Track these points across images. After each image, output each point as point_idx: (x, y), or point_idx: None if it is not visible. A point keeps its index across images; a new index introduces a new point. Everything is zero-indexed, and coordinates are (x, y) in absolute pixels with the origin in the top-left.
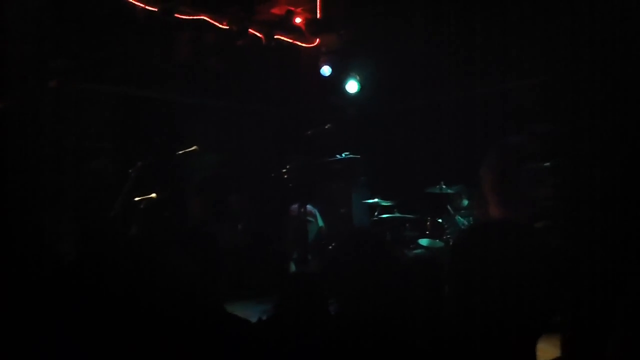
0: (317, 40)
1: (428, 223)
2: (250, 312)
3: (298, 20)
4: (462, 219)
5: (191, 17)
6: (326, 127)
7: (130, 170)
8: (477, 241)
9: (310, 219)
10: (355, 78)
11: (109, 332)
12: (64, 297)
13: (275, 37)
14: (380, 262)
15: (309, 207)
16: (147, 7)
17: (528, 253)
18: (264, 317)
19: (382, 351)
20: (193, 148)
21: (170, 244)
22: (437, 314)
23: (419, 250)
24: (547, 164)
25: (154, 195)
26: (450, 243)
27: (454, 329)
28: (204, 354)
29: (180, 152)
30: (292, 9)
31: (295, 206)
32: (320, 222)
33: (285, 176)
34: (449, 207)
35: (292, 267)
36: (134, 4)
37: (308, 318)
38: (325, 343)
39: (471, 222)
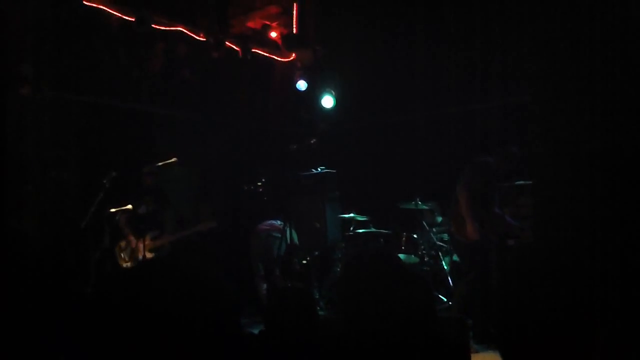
0: (293, 55)
1: (403, 238)
2: None
3: (274, 34)
4: (436, 235)
5: (167, 28)
6: (311, 141)
7: (104, 181)
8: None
9: (277, 234)
10: (330, 93)
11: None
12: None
13: (252, 50)
14: (393, 279)
15: (276, 222)
16: (123, 17)
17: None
18: (255, 332)
19: None
20: (172, 160)
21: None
22: (434, 329)
23: None
24: (520, 182)
25: (130, 206)
26: (425, 259)
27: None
28: None
29: (160, 163)
30: (268, 23)
31: (266, 223)
32: (294, 237)
33: (260, 190)
34: (424, 222)
35: (263, 283)
36: (110, 12)
37: (300, 331)
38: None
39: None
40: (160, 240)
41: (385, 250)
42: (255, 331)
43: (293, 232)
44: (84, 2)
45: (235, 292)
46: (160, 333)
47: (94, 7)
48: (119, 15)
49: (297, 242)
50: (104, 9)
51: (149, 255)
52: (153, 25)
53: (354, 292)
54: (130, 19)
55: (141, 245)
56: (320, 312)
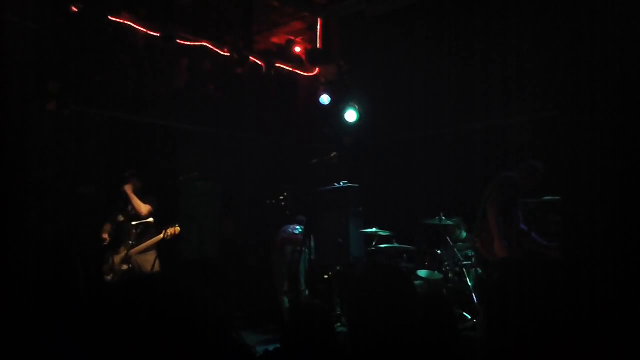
0: (317, 69)
1: (426, 254)
2: (249, 342)
3: (298, 49)
4: (460, 251)
5: (192, 44)
6: (332, 155)
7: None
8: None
9: (302, 248)
10: (354, 107)
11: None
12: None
13: (276, 65)
14: (401, 295)
15: (296, 231)
16: (148, 33)
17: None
18: (270, 349)
19: None
20: (194, 174)
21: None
22: (452, 349)
23: (417, 282)
24: (548, 198)
25: (151, 219)
26: (449, 275)
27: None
28: None
29: (182, 177)
30: (292, 38)
31: (285, 232)
32: (312, 253)
33: (282, 204)
34: (447, 238)
35: (285, 299)
36: (135, 28)
37: (316, 348)
38: None
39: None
40: (125, 250)
41: (395, 267)
42: (271, 348)
43: (312, 247)
44: (110, 19)
45: (225, 310)
46: (148, 346)
47: (120, 23)
48: (144, 31)
49: (314, 257)
50: (130, 25)
51: (124, 267)
52: (178, 41)
53: (361, 307)
54: (155, 34)
55: (117, 257)
56: (341, 329)
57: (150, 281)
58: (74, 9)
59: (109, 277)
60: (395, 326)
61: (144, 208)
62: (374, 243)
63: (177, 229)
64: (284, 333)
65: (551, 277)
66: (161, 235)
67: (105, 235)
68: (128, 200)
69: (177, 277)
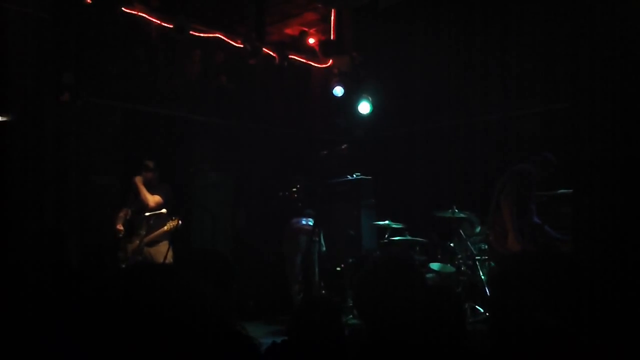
0: (330, 61)
1: (439, 247)
2: (260, 334)
3: (311, 41)
4: (473, 245)
5: (205, 35)
6: (342, 147)
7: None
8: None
9: (315, 238)
10: (367, 99)
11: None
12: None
13: (289, 57)
14: (411, 287)
15: (310, 223)
16: (162, 24)
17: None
18: (278, 341)
19: None
20: (203, 166)
21: (185, 262)
22: (461, 342)
23: (429, 275)
24: (563, 191)
25: (164, 210)
26: (462, 269)
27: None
28: None
29: (192, 169)
30: (306, 29)
31: (299, 223)
32: (322, 246)
33: (295, 195)
34: (460, 231)
35: (297, 290)
36: (149, 20)
37: (323, 342)
38: None
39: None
40: (137, 241)
41: (405, 258)
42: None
43: (322, 240)
44: (123, 10)
45: (228, 303)
46: (143, 342)
47: (133, 14)
48: (158, 22)
49: (325, 250)
50: (143, 17)
51: (138, 258)
52: (191, 33)
53: (369, 299)
54: (168, 26)
55: (130, 247)
56: (353, 321)
57: (145, 275)
58: (88, 0)
59: (123, 266)
60: (402, 318)
61: (151, 200)
62: (386, 236)
63: (178, 221)
64: (291, 325)
65: (555, 271)
66: (166, 227)
67: (119, 226)
68: (138, 192)
69: (175, 270)
